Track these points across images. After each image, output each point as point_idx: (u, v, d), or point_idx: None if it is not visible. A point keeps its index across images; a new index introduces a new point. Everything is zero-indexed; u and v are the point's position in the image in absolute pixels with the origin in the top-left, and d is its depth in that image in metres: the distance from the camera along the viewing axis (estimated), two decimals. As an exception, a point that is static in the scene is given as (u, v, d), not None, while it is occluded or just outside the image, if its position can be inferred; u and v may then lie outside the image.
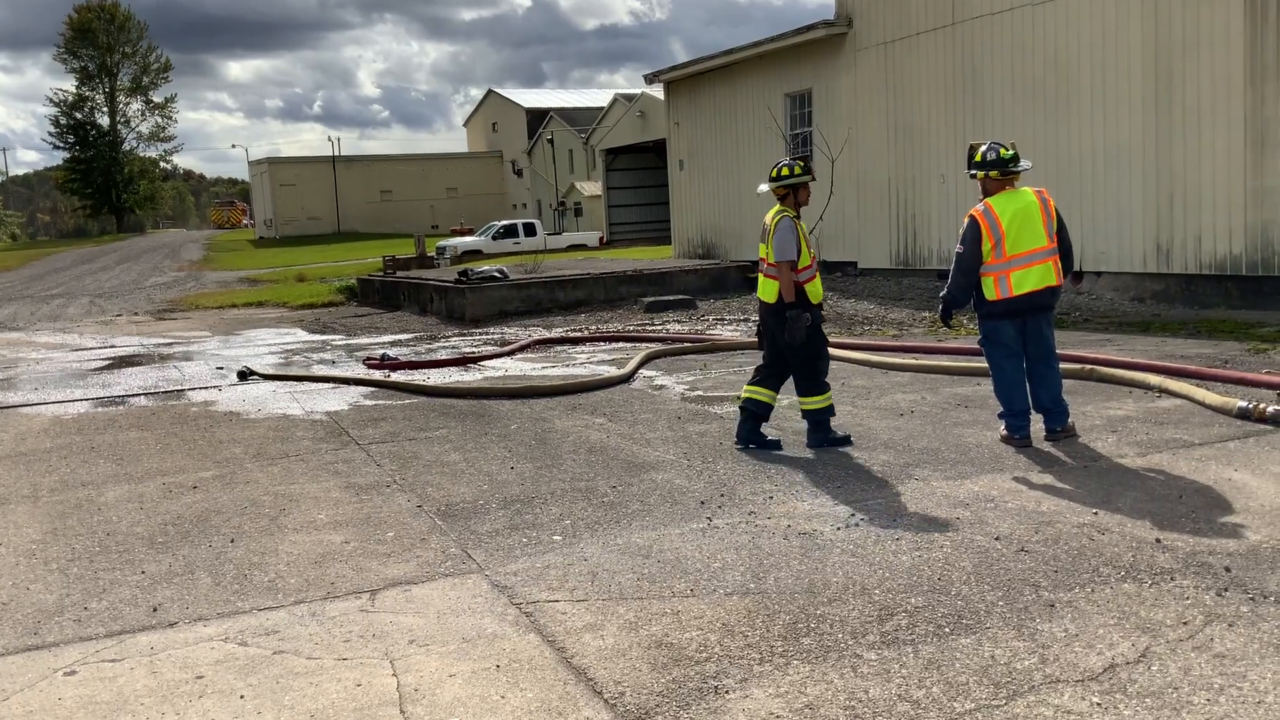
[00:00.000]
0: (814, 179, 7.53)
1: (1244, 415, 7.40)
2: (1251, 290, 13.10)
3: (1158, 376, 8.76)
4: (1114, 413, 7.96)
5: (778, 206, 7.48)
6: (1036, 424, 7.29)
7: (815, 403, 7.44)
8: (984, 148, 7.18)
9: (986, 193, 7.15)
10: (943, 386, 9.45)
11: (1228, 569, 4.70)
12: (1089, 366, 9.32)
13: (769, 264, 7.39)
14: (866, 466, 6.85)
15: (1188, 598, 4.42)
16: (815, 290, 7.41)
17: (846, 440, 7.52)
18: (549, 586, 4.96)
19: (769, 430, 7.68)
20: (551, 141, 64.19)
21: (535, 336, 14.89)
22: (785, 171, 7.47)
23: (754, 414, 7.53)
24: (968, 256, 7.04)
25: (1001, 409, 7.27)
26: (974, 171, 7.18)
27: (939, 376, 9.96)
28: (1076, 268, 7.49)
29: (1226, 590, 4.46)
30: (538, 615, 4.61)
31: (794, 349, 7.32)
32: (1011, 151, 7.13)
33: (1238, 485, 5.96)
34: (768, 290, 7.43)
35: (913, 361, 10.51)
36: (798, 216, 7.47)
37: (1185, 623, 4.18)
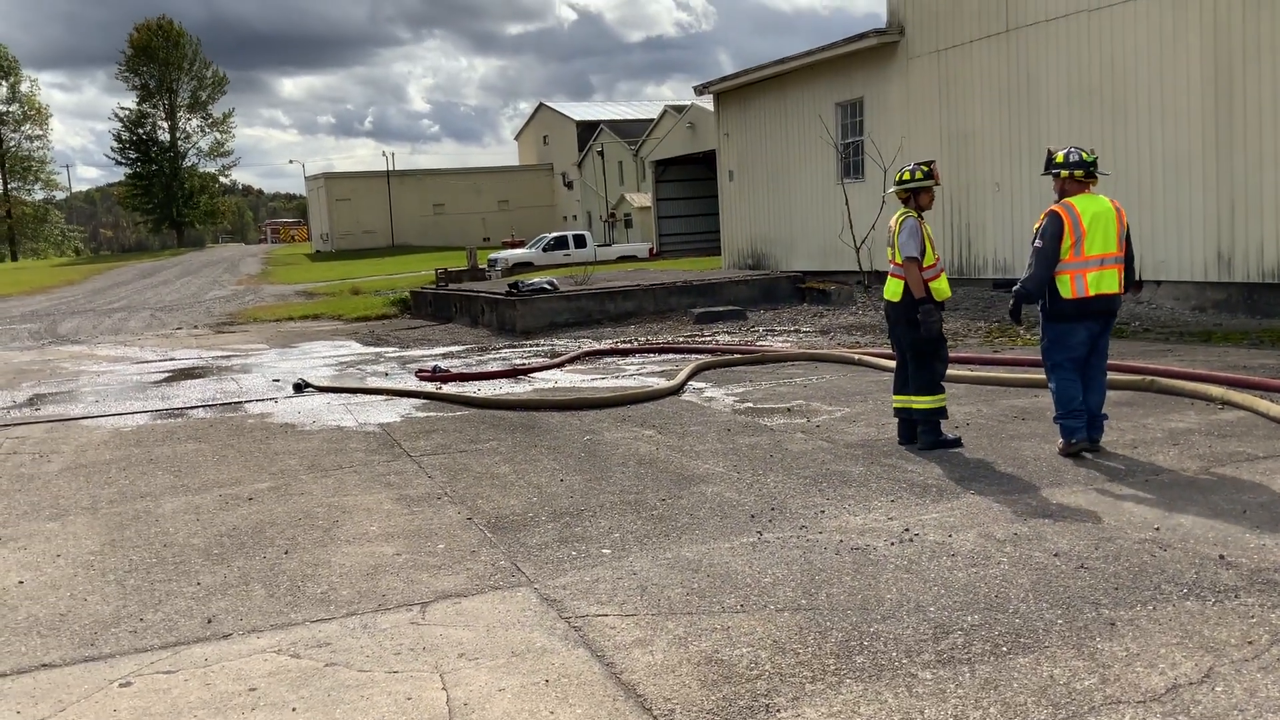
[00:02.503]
0: (937, 183, 7.65)
1: (1311, 428, 7.20)
2: (1318, 299, 12.77)
3: (1220, 388, 8.56)
4: (1176, 425, 7.79)
5: (901, 209, 7.67)
6: None
7: (928, 402, 7.55)
8: (1065, 151, 7.22)
9: (1065, 194, 7.11)
10: (999, 399, 9.30)
11: (1296, 587, 4.56)
12: (1150, 378, 9.14)
13: (895, 264, 7.58)
14: (921, 480, 6.76)
15: (1253, 616, 4.29)
16: (941, 288, 7.59)
17: (957, 442, 7.57)
18: (598, 600, 4.94)
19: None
20: (602, 154, 64.43)
21: (585, 348, 14.90)
22: (906, 176, 7.67)
23: (910, 420, 7.71)
24: (1048, 250, 6.99)
25: (1057, 413, 7.16)
26: (1056, 171, 7.15)
27: (995, 388, 9.82)
28: (1136, 278, 7.41)
29: (1295, 609, 4.33)
30: (587, 630, 4.59)
31: (916, 346, 7.54)
32: (1093, 156, 7.18)
33: (1306, 500, 5.80)
34: (893, 289, 7.66)
35: (968, 373, 10.36)
36: (920, 217, 7.56)
37: (1250, 642, 4.05)
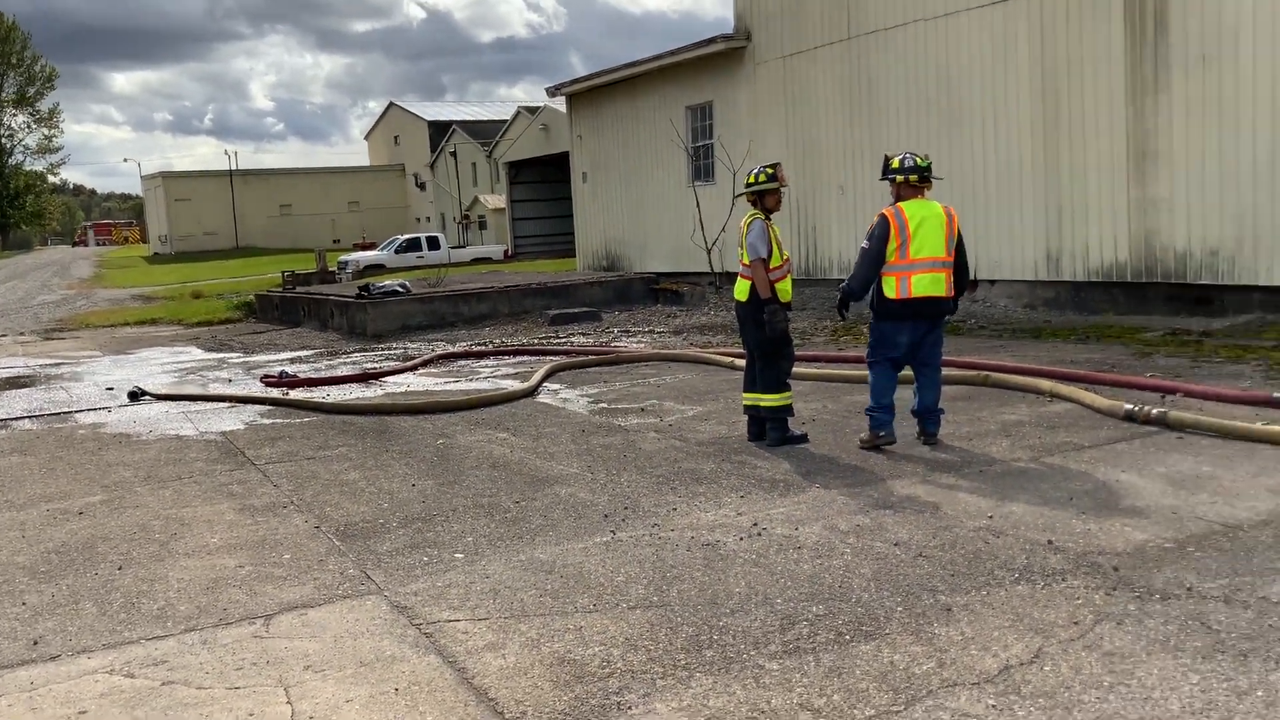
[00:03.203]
0: (784, 185, 7.78)
1: (1130, 418, 7.65)
2: (1136, 296, 13.58)
3: (1049, 382, 9.00)
4: (1008, 418, 8.16)
5: (750, 211, 7.79)
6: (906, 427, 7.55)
7: (775, 400, 7.71)
8: (900, 156, 7.48)
9: (899, 198, 7.37)
10: (843, 395, 9.58)
11: (1116, 569, 4.83)
12: (984, 373, 9.54)
13: (744, 265, 7.71)
14: (769, 476, 6.90)
15: (1078, 598, 4.53)
16: (785, 290, 7.74)
17: (804, 438, 7.77)
18: (450, 606, 4.88)
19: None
20: (454, 154, 63.70)
21: (438, 351, 14.71)
22: (752, 179, 7.82)
23: (758, 418, 7.86)
24: (873, 251, 7.25)
25: (869, 406, 7.45)
26: (892, 176, 7.40)
27: (840, 384, 10.10)
28: (972, 278, 7.75)
29: (1115, 589, 4.59)
30: (438, 636, 4.53)
31: (763, 346, 7.68)
32: (927, 161, 7.44)
33: (1125, 486, 6.15)
34: (741, 290, 7.79)
35: (814, 371, 10.64)
36: (768, 219, 7.65)
37: (1076, 622, 4.28)
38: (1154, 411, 7.54)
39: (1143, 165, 13.20)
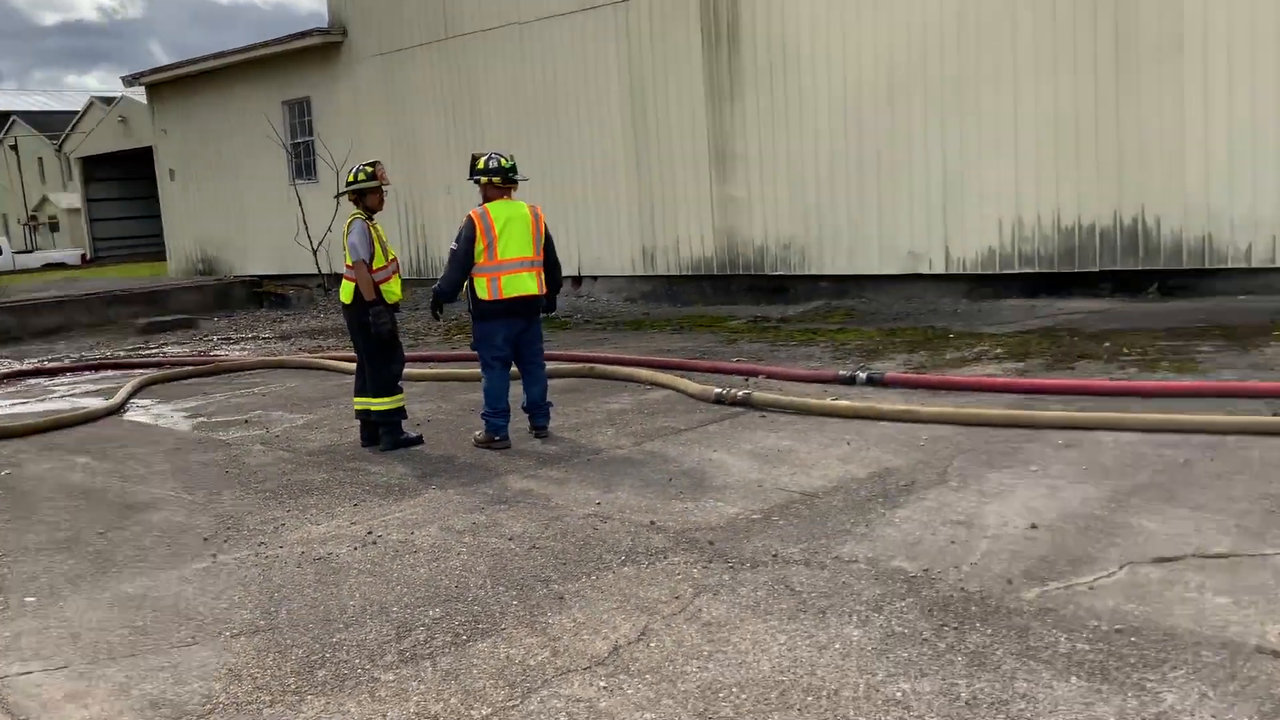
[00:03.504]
0: (385, 183, 7.60)
1: (719, 400, 8.24)
2: (722, 288, 14.67)
3: (648, 370, 9.50)
4: (612, 407, 8.52)
5: (352, 211, 7.58)
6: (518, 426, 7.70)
7: (387, 403, 7.57)
8: (485, 156, 7.50)
9: (486, 199, 7.43)
10: (457, 394, 9.58)
11: (712, 542, 5.18)
12: (589, 365, 9.91)
13: (348, 266, 7.48)
14: (384, 481, 6.76)
15: (679, 574, 4.81)
16: (392, 290, 7.57)
17: (419, 440, 7.66)
18: (20, 658, 4.34)
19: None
20: (15, 148, 57.08)
21: (1, 370, 13.11)
22: (351, 178, 7.61)
23: (370, 422, 7.68)
24: (461, 253, 7.32)
25: (484, 410, 7.53)
26: (477, 178, 7.43)
27: (453, 384, 10.10)
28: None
29: (711, 562, 4.91)
30: (6, 693, 4.02)
31: (370, 348, 7.51)
32: (511, 162, 7.48)
33: (717, 464, 6.61)
34: (346, 292, 7.56)
35: (427, 371, 10.56)
36: (371, 219, 7.46)
37: (678, 597, 4.53)
38: (739, 394, 8.17)
39: (724, 166, 14.27)
